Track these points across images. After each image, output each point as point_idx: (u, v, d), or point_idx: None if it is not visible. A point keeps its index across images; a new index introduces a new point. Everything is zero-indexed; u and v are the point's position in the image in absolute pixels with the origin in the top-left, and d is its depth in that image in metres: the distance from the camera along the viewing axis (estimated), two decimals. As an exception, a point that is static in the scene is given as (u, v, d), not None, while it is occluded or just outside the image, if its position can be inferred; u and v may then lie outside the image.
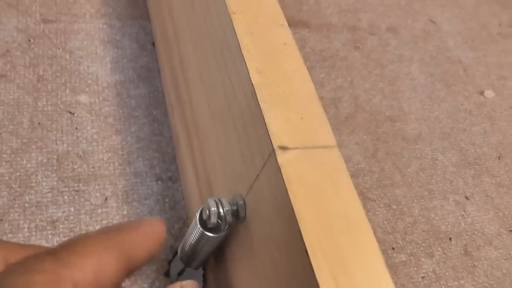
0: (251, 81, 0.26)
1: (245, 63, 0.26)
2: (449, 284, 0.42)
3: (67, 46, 0.44)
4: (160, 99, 0.43)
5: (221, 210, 0.27)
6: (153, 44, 0.47)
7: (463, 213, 0.47)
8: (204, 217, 0.27)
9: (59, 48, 0.44)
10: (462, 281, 0.43)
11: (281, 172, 0.23)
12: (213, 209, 0.27)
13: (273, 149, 0.24)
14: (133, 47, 0.46)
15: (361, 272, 0.21)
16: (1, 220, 0.35)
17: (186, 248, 0.30)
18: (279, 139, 0.24)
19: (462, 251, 0.44)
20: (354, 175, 0.46)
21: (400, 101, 0.52)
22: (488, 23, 0.66)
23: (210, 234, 0.28)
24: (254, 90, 0.25)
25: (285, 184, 0.23)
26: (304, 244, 0.21)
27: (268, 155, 0.24)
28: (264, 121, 0.24)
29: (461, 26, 0.63)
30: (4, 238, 0.34)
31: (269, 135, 0.24)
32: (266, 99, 0.25)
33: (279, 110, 0.25)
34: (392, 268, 0.41)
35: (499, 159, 0.52)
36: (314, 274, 0.20)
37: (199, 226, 0.28)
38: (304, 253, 0.21)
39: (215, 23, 0.30)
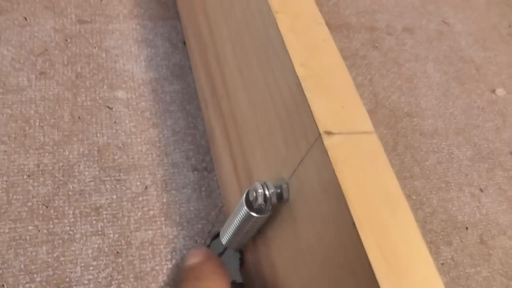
0: (296, 73, 0.28)
1: (290, 57, 0.29)
2: (466, 270, 0.45)
3: (102, 45, 0.47)
4: (193, 94, 0.46)
5: (267, 192, 0.29)
6: (184, 43, 0.50)
7: (478, 204, 0.50)
8: (251, 199, 0.30)
9: (95, 47, 0.47)
10: (478, 268, 0.45)
11: (327, 155, 0.26)
12: (260, 191, 0.29)
13: (319, 134, 0.26)
14: (166, 46, 0.49)
15: (401, 242, 0.24)
16: (47, 207, 0.38)
17: (230, 229, 0.32)
18: (324, 125, 0.27)
19: (478, 240, 0.47)
20: (375, 168, 0.48)
21: (417, 98, 0.55)
22: (499, 23, 0.68)
23: (256, 215, 0.30)
24: (299, 81, 0.28)
25: (332, 165, 0.25)
26: (352, 218, 0.24)
27: (314, 140, 0.27)
28: (310, 109, 0.27)
29: (473, 27, 0.66)
30: (51, 223, 0.37)
31: (315, 121, 0.27)
32: (310, 89, 0.28)
33: (323, 100, 0.28)
34: (414, 254, 0.44)
35: (511, 154, 0.55)
36: (362, 245, 0.23)
37: (245, 207, 0.30)
38: (352, 227, 0.24)
39: (257, 22, 0.33)
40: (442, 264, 0.44)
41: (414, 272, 0.23)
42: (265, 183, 0.30)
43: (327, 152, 0.26)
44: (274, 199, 0.30)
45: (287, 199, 0.30)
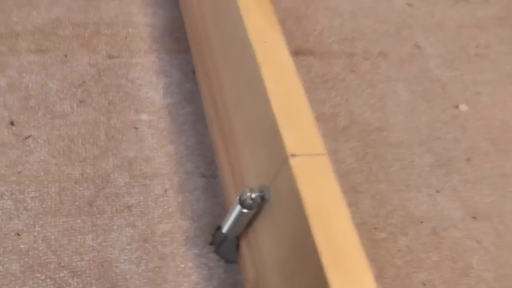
0: (273, 113, 0.42)
1: (269, 100, 0.43)
2: (419, 255, 0.59)
3: (129, 76, 0.62)
4: (201, 116, 0.61)
5: (253, 195, 0.44)
6: (193, 72, 0.64)
7: (434, 202, 0.63)
8: (242, 199, 0.44)
9: (123, 78, 0.61)
10: (429, 254, 0.59)
11: (291, 170, 0.40)
12: (248, 194, 0.44)
13: (287, 156, 0.40)
14: (179, 75, 0.64)
15: (341, 233, 0.38)
16: (90, 206, 0.52)
17: (229, 221, 0.47)
18: (291, 149, 0.41)
19: (431, 231, 0.61)
20: (347, 174, 0.62)
21: (387, 114, 0.69)
22: (467, 45, 0.82)
23: (246, 211, 0.45)
24: (275, 118, 0.42)
25: (294, 178, 0.39)
26: (305, 214, 0.38)
27: (284, 159, 0.41)
28: (282, 138, 0.41)
29: (443, 49, 0.79)
30: (94, 218, 0.52)
31: (284, 146, 0.41)
32: (283, 124, 0.42)
33: (291, 131, 0.42)
34: (374, 242, 0.58)
35: (467, 161, 0.69)
36: (310, 227, 0.37)
37: (238, 205, 0.45)
38: (306, 220, 0.38)
39: (248, 69, 0.47)
40: (398, 250, 0.58)
41: (349, 255, 0.37)
42: (252, 188, 0.44)
43: (291, 169, 0.40)
44: (258, 200, 0.44)
45: (268, 200, 0.44)
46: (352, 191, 0.62)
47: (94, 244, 0.50)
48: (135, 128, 0.58)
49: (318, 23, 0.76)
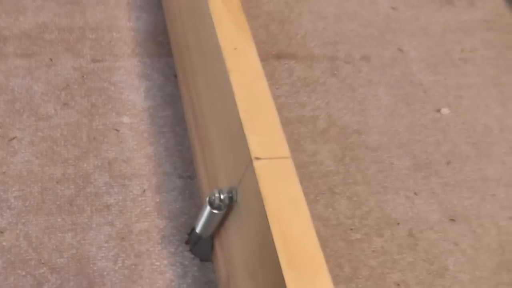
0: (240, 117, 0.44)
1: (237, 105, 0.45)
2: (393, 256, 0.60)
3: (111, 80, 0.64)
4: (181, 119, 0.63)
5: (222, 196, 0.46)
6: (175, 76, 0.66)
7: (411, 205, 0.65)
8: (211, 200, 0.46)
9: (105, 82, 0.64)
10: (404, 255, 0.61)
11: (255, 173, 0.42)
12: (216, 195, 0.46)
13: (251, 159, 0.42)
14: (160, 79, 0.66)
15: (299, 232, 0.40)
16: (71, 205, 0.55)
17: (201, 221, 0.49)
18: (255, 152, 0.43)
19: (407, 233, 0.63)
20: (324, 175, 0.64)
21: (366, 118, 0.71)
22: (452, 49, 0.83)
23: (215, 211, 0.47)
24: (241, 123, 0.44)
25: (257, 180, 0.41)
26: (266, 213, 0.40)
27: (248, 162, 0.43)
28: (247, 142, 0.43)
29: (426, 53, 0.81)
30: (74, 216, 0.54)
31: (249, 150, 0.43)
32: (248, 128, 0.44)
33: (256, 135, 0.44)
34: (349, 243, 0.60)
35: (448, 164, 0.70)
36: (270, 228, 0.39)
37: (208, 206, 0.47)
38: (266, 219, 0.40)
39: (219, 75, 0.50)
40: (373, 251, 0.60)
41: (306, 255, 0.39)
42: (221, 189, 0.46)
43: (255, 171, 0.42)
44: (226, 201, 0.46)
45: (236, 201, 0.46)
46: (329, 193, 0.63)
47: (73, 242, 0.52)
48: (116, 130, 0.60)
49: (301, 26, 0.78)
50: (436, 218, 0.65)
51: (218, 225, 0.50)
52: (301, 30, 0.78)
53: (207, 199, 0.47)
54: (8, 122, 0.57)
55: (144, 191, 0.57)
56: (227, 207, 0.47)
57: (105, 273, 0.51)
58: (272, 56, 0.74)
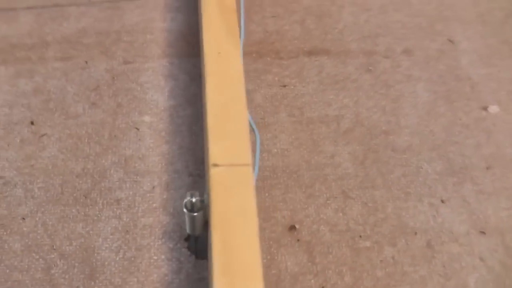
0: (207, 122, 0.45)
1: (207, 109, 0.46)
2: (404, 268, 0.56)
3: (139, 81, 0.68)
4: (200, 118, 0.65)
5: (194, 199, 0.47)
6: (200, 76, 0.68)
7: (435, 213, 0.60)
8: (185, 203, 0.48)
9: (133, 82, 0.68)
10: (417, 267, 0.57)
11: (210, 180, 0.42)
12: (189, 198, 0.47)
13: (209, 165, 0.43)
14: (186, 79, 0.68)
15: (239, 232, 0.40)
16: (86, 198, 0.60)
17: (188, 225, 0.51)
18: (214, 159, 0.43)
19: (425, 244, 0.58)
20: (340, 178, 0.62)
21: (398, 117, 0.66)
22: (511, 37, 0.74)
23: (190, 213, 0.48)
24: (208, 128, 0.45)
25: (211, 187, 0.42)
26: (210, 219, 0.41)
27: (208, 169, 0.44)
28: (209, 147, 0.44)
29: (480, 43, 0.72)
30: (87, 208, 0.59)
31: (209, 156, 0.44)
32: (214, 133, 0.45)
33: (220, 141, 0.44)
34: (355, 250, 0.57)
35: (487, 169, 0.63)
36: (212, 234, 0.40)
37: (184, 209, 0.49)
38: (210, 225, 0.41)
39: (203, 77, 0.50)
40: (381, 261, 0.57)
41: (243, 266, 0.39)
42: (193, 193, 0.48)
43: (210, 178, 0.42)
44: (198, 204, 0.47)
45: (207, 204, 0.47)
46: (342, 197, 0.61)
47: (83, 232, 0.57)
48: (137, 128, 0.64)
49: (340, 20, 0.75)
50: (463, 229, 0.59)
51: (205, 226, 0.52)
52: (339, 24, 0.75)
53: (183, 202, 0.49)
54: (41, 120, 0.64)
55: (153, 187, 0.60)
56: (199, 210, 0.48)
57: (106, 262, 0.55)
58: (303, 52, 0.72)
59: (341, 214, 0.60)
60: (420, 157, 0.64)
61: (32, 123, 0.64)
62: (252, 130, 0.53)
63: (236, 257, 0.39)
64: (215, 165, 0.43)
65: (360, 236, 0.59)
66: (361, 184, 0.62)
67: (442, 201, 0.61)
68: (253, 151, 0.52)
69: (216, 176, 0.42)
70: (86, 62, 0.69)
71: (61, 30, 0.72)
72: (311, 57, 0.72)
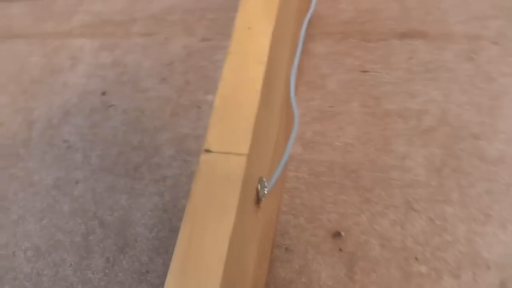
0: (214, 103, 0.40)
1: (218, 90, 0.41)
2: (464, 307, 0.45)
3: (212, 59, 0.65)
4: (254, 101, 0.60)
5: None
6: (269, 56, 0.63)
7: (523, 246, 0.46)
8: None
9: (206, 60, 0.65)
10: (483, 310, 0.44)
11: (199, 166, 0.38)
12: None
13: (202, 151, 0.38)
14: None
15: (211, 229, 0.35)
16: (135, 171, 0.59)
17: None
18: (208, 144, 0.38)
19: (498, 282, 0.45)
20: (407, 185, 0.51)
21: (494, 118, 0.52)
22: None
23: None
24: (213, 110, 0.40)
25: (196, 174, 0.37)
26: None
27: (200, 155, 0.39)
28: (208, 130, 0.39)
29: None
30: (134, 182, 0.59)
31: (205, 141, 0.39)
32: (217, 116, 0.40)
33: (220, 125, 0.39)
34: (406, 274, 0.47)
35: None
36: (182, 228, 0.35)
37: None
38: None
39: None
40: (435, 292, 0.46)
41: (203, 263, 0.34)
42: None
43: (199, 164, 0.38)
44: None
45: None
46: (404, 207, 0.51)
47: (125, 204, 0.57)
48: (198, 107, 0.62)
49: (448, -2, 0.62)
50: (562, 273, 0.44)
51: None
52: (446, 3, 0.62)
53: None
54: (113, 91, 0.66)
55: (199, 169, 0.57)
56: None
57: (139, 238, 0.55)
58: (396, 34, 0.61)
59: (399, 227, 0.50)
60: (517, 172, 0.50)
61: (103, 93, 0.66)
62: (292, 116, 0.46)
63: (198, 254, 0.34)
64: (208, 150, 0.38)
65: (416, 258, 0.48)
66: (431, 195, 0.50)
67: (537, 232, 0.47)
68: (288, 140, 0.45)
69: (205, 164, 0.37)
70: (166, 38, 0.69)
71: (151, 7, 0.72)
72: (404, 40, 0.61)
